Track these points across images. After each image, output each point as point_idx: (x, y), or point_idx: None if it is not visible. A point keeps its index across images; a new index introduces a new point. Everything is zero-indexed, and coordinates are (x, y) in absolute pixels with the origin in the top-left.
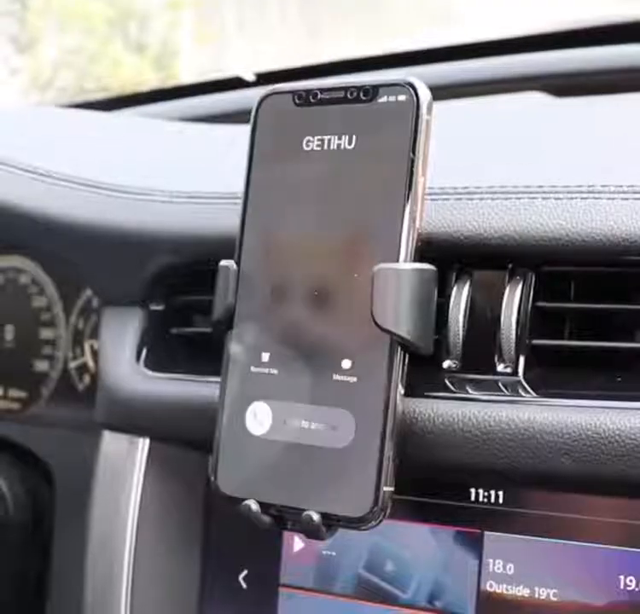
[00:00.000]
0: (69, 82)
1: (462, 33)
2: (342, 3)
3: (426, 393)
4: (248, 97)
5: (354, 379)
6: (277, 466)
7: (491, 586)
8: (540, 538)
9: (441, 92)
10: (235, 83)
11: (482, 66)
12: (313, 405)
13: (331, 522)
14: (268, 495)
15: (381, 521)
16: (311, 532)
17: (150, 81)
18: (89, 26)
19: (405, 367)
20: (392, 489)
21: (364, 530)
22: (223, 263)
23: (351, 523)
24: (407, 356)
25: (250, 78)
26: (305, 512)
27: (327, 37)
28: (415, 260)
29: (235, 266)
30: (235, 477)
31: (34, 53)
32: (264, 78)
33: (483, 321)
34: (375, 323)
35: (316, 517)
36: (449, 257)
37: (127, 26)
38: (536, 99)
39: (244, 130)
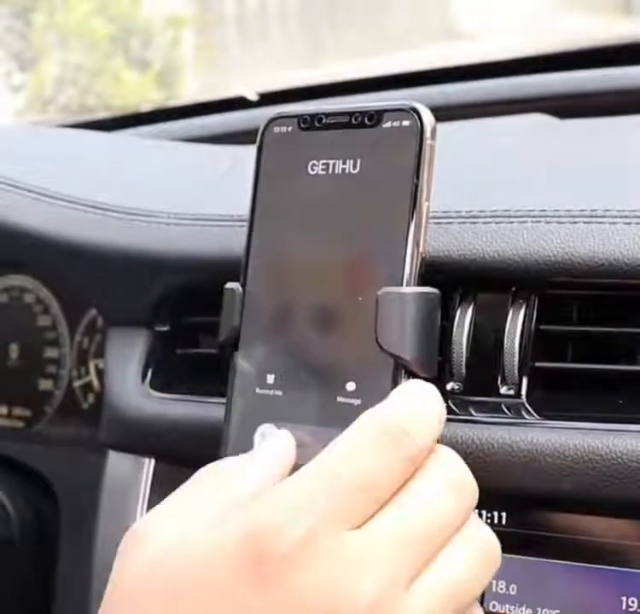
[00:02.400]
0: (71, 98)
1: (464, 52)
2: (343, 18)
3: None
4: (251, 117)
5: (358, 402)
6: None
7: (493, 606)
8: (543, 559)
9: (443, 113)
10: (239, 103)
11: (485, 88)
12: (318, 427)
13: None
14: None
15: None
16: None
17: (152, 98)
18: (91, 42)
19: None
20: None
21: None
22: (228, 285)
23: None
24: (411, 378)
25: (253, 97)
26: None
27: (328, 50)
28: (419, 284)
29: (240, 288)
30: None
31: (36, 69)
32: (267, 98)
33: (486, 343)
34: (379, 346)
35: None
36: (452, 280)
37: (129, 42)
38: (539, 121)
39: (247, 151)
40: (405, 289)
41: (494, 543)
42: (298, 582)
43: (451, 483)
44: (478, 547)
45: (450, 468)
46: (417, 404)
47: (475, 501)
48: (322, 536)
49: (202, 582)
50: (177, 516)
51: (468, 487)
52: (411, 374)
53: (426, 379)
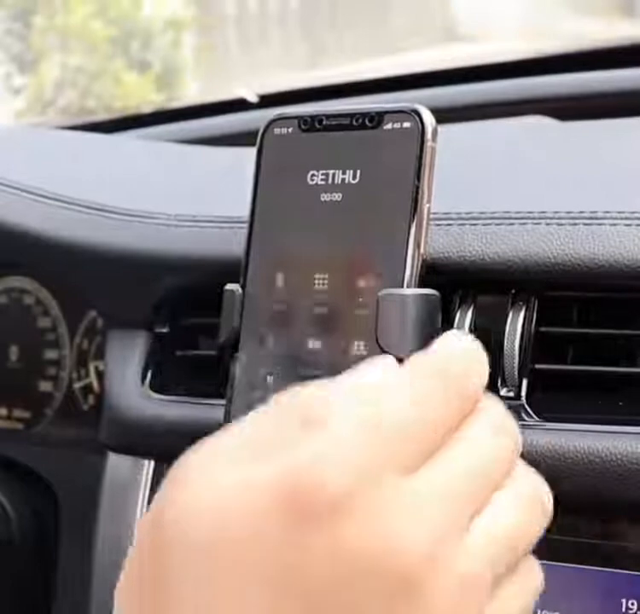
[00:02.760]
0: (71, 100)
1: (464, 54)
2: (343, 20)
3: None
4: (251, 119)
5: None
6: None
7: None
8: (543, 561)
9: (443, 115)
10: (239, 105)
11: (485, 90)
12: None
13: None
14: None
15: None
16: None
17: (152, 100)
18: (91, 44)
19: None
20: None
21: None
22: (228, 286)
23: None
24: None
25: (253, 99)
26: None
27: (328, 52)
28: (419, 285)
29: (240, 290)
30: None
31: (36, 72)
32: (267, 100)
33: (486, 345)
34: (380, 348)
35: None
36: (452, 282)
37: (129, 44)
38: (539, 123)
39: (247, 153)
40: (406, 291)
41: (544, 489)
42: (345, 532)
43: (497, 426)
44: (528, 492)
45: (494, 411)
46: (463, 346)
47: (520, 445)
48: (373, 485)
49: (237, 541)
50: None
51: (511, 429)
52: None
53: None
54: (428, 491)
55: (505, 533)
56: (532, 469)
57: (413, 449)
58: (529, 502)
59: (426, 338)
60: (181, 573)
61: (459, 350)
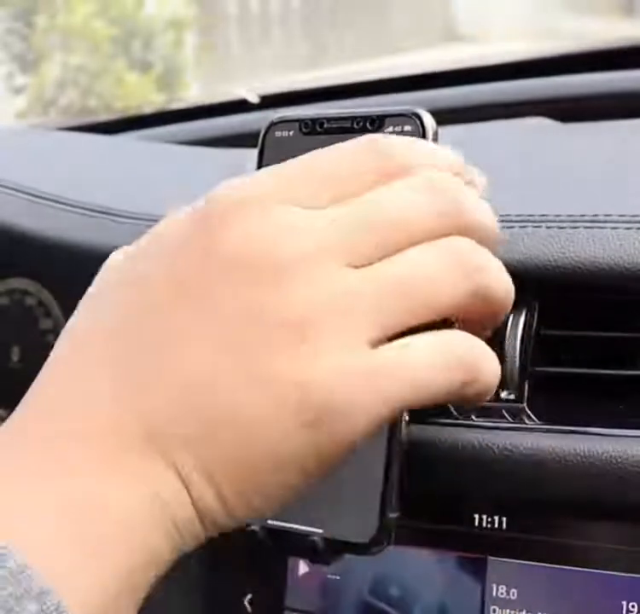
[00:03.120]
0: (73, 100)
1: (465, 55)
2: (345, 20)
3: (429, 419)
4: (253, 120)
5: None
6: None
7: (494, 611)
8: (543, 564)
9: (444, 117)
10: (240, 106)
11: (486, 91)
12: None
13: (336, 547)
14: (275, 517)
15: (385, 547)
16: (316, 557)
17: (154, 99)
18: (92, 44)
19: None
20: (396, 515)
21: (369, 555)
22: None
23: (355, 548)
24: None
25: (254, 100)
26: (310, 538)
27: (330, 52)
28: None
29: None
30: None
31: (38, 71)
32: (268, 101)
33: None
34: None
35: (321, 544)
36: None
37: (131, 44)
38: (540, 124)
39: (249, 155)
40: None
41: (476, 255)
42: (231, 236)
43: (429, 184)
44: (450, 248)
45: (434, 176)
46: (414, 141)
47: (467, 217)
48: (263, 207)
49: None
50: None
51: (449, 192)
52: None
53: None
54: (324, 221)
55: (405, 279)
56: (481, 249)
57: (316, 188)
58: (447, 257)
59: None
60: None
61: (404, 142)
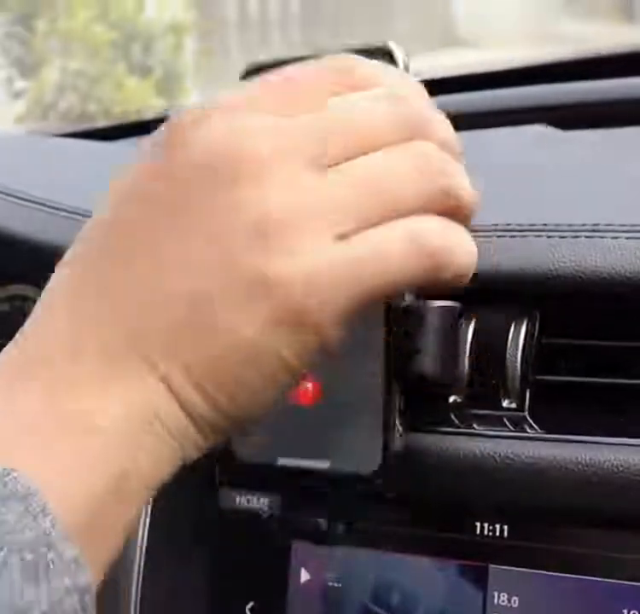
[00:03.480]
0: (72, 104)
1: (465, 61)
2: (344, 25)
3: (431, 428)
4: None
5: None
6: (286, 424)
7: None
8: (545, 572)
9: None
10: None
11: (486, 98)
12: None
13: (343, 481)
14: (280, 454)
15: (391, 480)
16: (319, 538)
17: (153, 104)
18: (92, 48)
19: None
20: (402, 445)
21: (375, 488)
22: None
23: (362, 481)
24: None
25: None
26: (314, 520)
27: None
28: (435, 297)
29: None
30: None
31: (37, 76)
32: None
33: (488, 356)
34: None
35: (324, 525)
36: (454, 293)
37: (130, 48)
38: (541, 132)
39: None
40: (428, 302)
41: (442, 160)
42: (199, 139)
43: (392, 94)
44: (415, 156)
45: (396, 88)
46: (379, 63)
47: (427, 129)
48: (231, 114)
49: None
50: None
51: (409, 100)
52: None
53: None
54: (293, 124)
55: (374, 178)
56: (447, 155)
57: (281, 100)
58: (412, 159)
59: (446, 350)
60: None
61: (369, 63)
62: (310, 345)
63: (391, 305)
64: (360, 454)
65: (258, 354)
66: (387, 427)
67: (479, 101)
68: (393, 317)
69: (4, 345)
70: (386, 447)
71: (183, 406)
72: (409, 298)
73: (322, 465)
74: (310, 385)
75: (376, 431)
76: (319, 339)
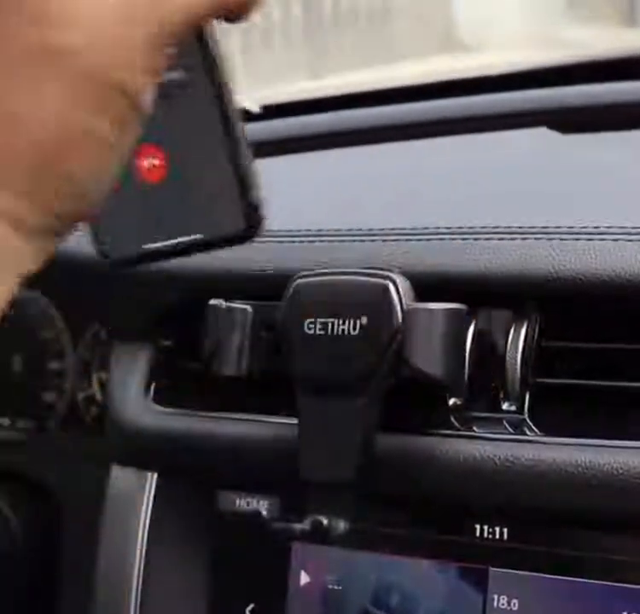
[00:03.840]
0: None
1: (467, 65)
2: (347, 28)
3: (431, 430)
4: (255, 130)
5: None
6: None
7: None
8: (544, 574)
9: (446, 127)
10: (242, 116)
11: (488, 102)
12: None
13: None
14: (144, 241)
15: (260, 231)
16: (318, 534)
17: None
18: None
19: None
20: (260, 199)
21: (248, 242)
22: (212, 302)
23: (235, 241)
24: None
25: (256, 110)
26: (316, 519)
27: (331, 60)
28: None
29: (223, 305)
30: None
31: None
32: (270, 111)
33: (488, 359)
34: (407, 363)
35: (324, 521)
36: (454, 296)
37: None
38: (542, 135)
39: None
40: (432, 305)
41: None
42: None
43: None
44: None
45: None
46: None
47: None
48: None
49: None
50: None
51: None
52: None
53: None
54: None
55: None
56: None
57: None
58: None
59: (452, 352)
60: None
61: None
62: (122, 110)
63: (203, 37)
64: (226, 218)
65: (71, 132)
66: (243, 186)
67: (481, 104)
68: None
69: (9, 350)
70: (247, 203)
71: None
72: (410, 303)
73: (196, 237)
74: (156, 161)
75: (233, 191)
76: (129, 100)
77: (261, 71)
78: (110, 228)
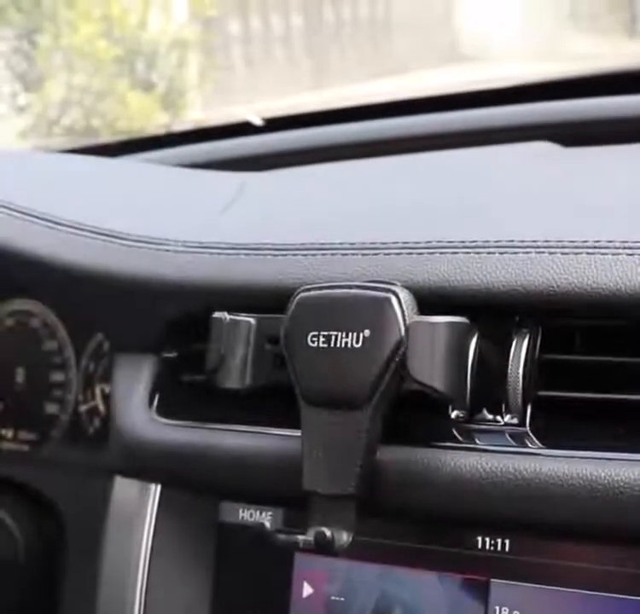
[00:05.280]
0: (76, 120)
1: (469, 78)
2: (348, 40)
3: (433, 443)
4: (257, 143)
5: None
6: None
7: None
8: (545, 586)
9: (447, 140)
10: (244, 128)
11: (489, 115)
12: None
13: None
14: None
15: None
16: (322, 545)
17: (157, 120)
18: (96, 64)
19: None
20: None
21: None
22: (216, 314)
23: None
24: None
25: (258, 123)
26: (318, 530)
27: (333, 73)
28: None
29: (227, 318)
30: None
31: (41, 91)
32: (272, 124)
33: (490, 372)
34: (410, 376)
35: (327, 533)
36: (456, 309)
37: (134, 64)
38: (543, 149)
39: (252, 178)
40: (434, 319)
41: None
42: None
43: None
44: None
45: None
46: None
47: None
48: None
49: None
50: None
51: None
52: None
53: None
54: None
55: None
56: None
57: None
58: None
59: (455, 365)
60: None
61: None
62: None
63: None
64: None
65: None
66: None
67: (483, 118)
68: None
69: (12, 361)
70: None
71: None
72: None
73: None
74: None
75: None
76: None
77: (263, 83)
78: None
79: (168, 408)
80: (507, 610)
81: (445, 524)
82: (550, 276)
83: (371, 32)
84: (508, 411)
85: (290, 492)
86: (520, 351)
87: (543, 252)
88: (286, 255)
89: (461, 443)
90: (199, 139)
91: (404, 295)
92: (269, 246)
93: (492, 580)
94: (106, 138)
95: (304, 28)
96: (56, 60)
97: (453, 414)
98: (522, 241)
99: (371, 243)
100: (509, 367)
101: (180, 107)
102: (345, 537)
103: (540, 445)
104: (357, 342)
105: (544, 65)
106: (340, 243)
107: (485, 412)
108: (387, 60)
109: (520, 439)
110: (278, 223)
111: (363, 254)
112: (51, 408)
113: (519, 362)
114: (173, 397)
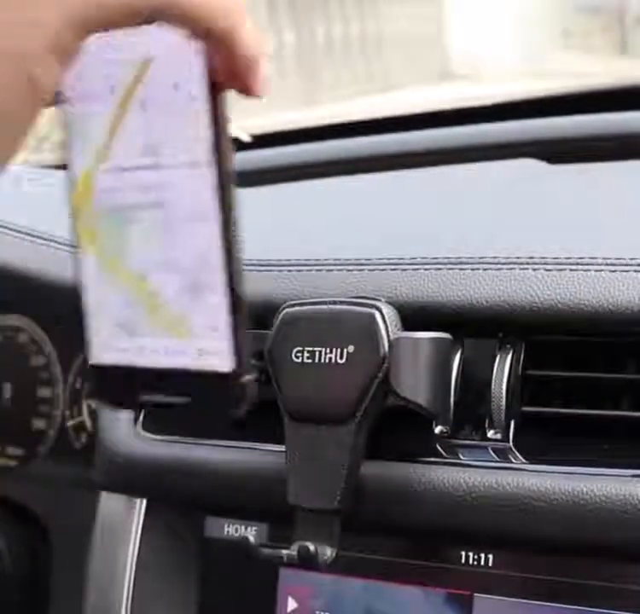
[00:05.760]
0: None
1: (457, 95)
2: (338, 54)
3: (417, 458)
4: (244, 160)
5: None
6: None
7: None
8: (528, 600)
9: (432, 158)
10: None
11: (475, 132)
12: None
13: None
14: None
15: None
16: (306, 560)
17: None
18: None
19: None
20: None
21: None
22: None
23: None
24: None
25: (246, 139)
26: (304, 545)
27: (323, 89)
28: (422, 328)
29: None
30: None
31: None
32: (260, 140)
33: (474, 387)
34: (394, 392)
35: (313, 551)
36: (440, 325)
37: None
38: (529, 166)
39: (240, 194)
40: (418, 334)
41: None
42: None
43: None
44: None
45: None
46: None
47: None
48: None
49: None
50: None
51: None
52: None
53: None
54: None
55: None
56: None
57: None
58: None
59: (438, 381)
60: None
61: None
62: (26, 87)
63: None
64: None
65: None
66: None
67: (468, 135)
68: None
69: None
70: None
71: None
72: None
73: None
74: None
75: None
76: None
77: (252, 100)
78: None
79: (154, 423)
80: None
81: (429, 539)
82: (534, 293)
83: (362, 50)
84: (491, 426)
85: (275, 507)
86: (503, 367)
87: (526, 269)
88: (271, 271)
89: (445, 458)
90: None
91: (388, 311)
92: (254, 262)
93: (476, 594)
94: None
95: (295, 45)
96: None
97: (437, 430)
98: (506, 258)
99: (356, 259)
100: (493, 382)
101: None
102: (329, 552)
103: (524, 460)
104: (342, 358)
105: (535, 83)
106: (326, 259)
107: (468, 428)
108: (378, 78)
109: (503, 455)
110: (264, 239)
111: (348, 270)
112: (39, 424)
113: (502, 377)
114: (159, 413)
